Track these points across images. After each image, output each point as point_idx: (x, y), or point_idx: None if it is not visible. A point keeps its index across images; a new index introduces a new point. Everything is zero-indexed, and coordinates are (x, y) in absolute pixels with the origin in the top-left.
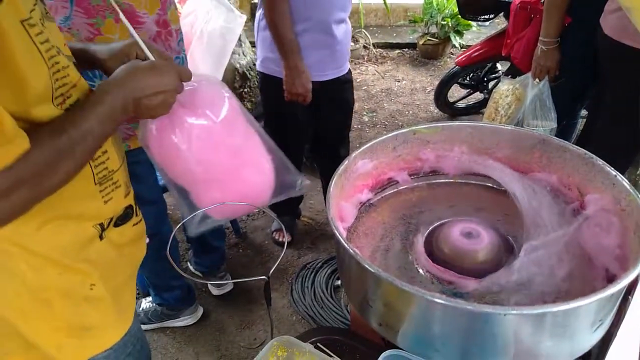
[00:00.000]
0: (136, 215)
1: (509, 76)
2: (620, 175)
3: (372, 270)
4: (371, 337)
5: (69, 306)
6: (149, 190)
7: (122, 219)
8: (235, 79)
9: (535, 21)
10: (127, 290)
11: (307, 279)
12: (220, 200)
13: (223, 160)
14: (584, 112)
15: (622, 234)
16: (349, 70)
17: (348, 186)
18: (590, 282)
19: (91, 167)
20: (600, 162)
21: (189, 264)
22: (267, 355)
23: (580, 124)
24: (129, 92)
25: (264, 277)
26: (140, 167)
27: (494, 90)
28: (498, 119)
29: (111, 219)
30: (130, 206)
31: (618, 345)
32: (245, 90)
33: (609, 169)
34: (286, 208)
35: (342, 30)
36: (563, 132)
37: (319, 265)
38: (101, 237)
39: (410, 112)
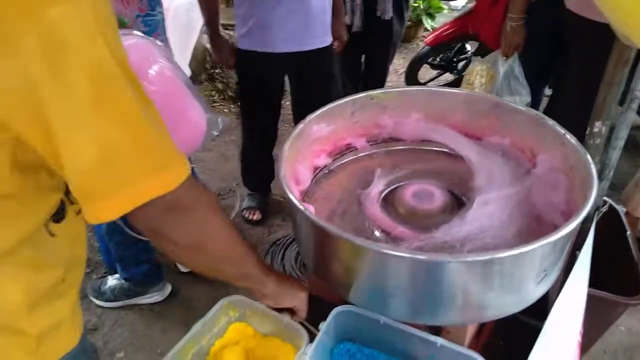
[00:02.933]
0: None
1: (479, 56)
2: (570, 134)
3: (319, 224)
4: (330, 298)
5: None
6: None
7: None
8: (206, 60)
9: (501, 0)
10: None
11: (277, 255)
12: None
13: None
14: (548, 91)
15: (568, 191)
16: (332, 43)
17: (304, 150)
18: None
19: None
20: (551, 122)
21: None
22: (217, 314)
23: (544, 102)
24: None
25: None
26: None
27: (466, 71)
28: None
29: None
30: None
31: (565, 300)
32: (217, 71)
33: (558, 128)
34: (258, 185)
35: (319, 1)
36: None
37: (288, 241)
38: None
39: None
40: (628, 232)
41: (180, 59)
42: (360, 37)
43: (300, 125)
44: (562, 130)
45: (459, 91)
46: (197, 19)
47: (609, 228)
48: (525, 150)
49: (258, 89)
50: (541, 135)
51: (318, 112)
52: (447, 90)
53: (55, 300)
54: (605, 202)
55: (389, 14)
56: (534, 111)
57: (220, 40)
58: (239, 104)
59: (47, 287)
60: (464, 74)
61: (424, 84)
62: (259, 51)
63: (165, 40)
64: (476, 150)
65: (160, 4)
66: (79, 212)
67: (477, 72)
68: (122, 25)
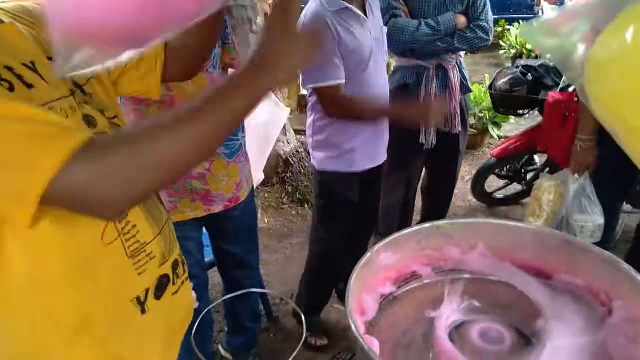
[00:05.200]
0: (173, 284)
1: (548, 169)
2: None
3: None
4: None
5: None
6: (193, 265)
7: (159, 289)
8: (279, 165)
9: (570, 119)
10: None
11: None
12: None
13: None
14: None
15: None
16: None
17: (370, 278)
18: None
19: (122, 241)
20: (626, 266)
21: (220, 345)
22: None
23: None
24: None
25: None
26: (190, 243)
27: (534, 187)
28: (543, 216)
29: (147, 290)
30: (165, 275)
31: None
32: (288, 175)
33: (634, 274)
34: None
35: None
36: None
37: (348, 358)
38: (143, 311)
39: None
40: None
41: (256, 165)
42: (429, 152)
43: (368, 255)
44: (639, 277)
45: (526, 226)
46: (274, 132)
47: None
48: (600, 293)
49: (340, 205)
50: (616, 278)
51: (385, 241)
52: (514, 224)
53: None
54: None
55: (458, 128)
56: (607, 253)
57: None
58: (306, 206)
59: None
60: (533, 189)
61: (491, 193)
62: (342, 172)
63: (242, 162)
64: (545, 293)
65: (243, 130)
66: None
67: (546, 189)
68: None
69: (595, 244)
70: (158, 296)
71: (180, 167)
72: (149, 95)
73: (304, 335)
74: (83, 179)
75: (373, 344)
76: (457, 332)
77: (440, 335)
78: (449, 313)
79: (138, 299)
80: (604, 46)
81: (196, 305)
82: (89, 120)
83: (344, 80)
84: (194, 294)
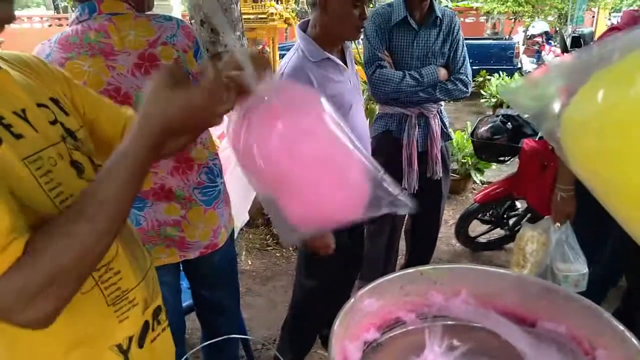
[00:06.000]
0: (153, 330)
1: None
2: (629, 332)
3: None
4: None
5: None
6: (168, 312)
7: (142, 337)
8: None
9: (549, 168)
10: None
11: None
12: (304, 212)
13: (316, 170)
14: None
15: None
16: None
17: (353, 325)
18: None
19: (100, 289)
20: (607, 315)
21: None
22: None
23: None
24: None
25: None
26: (164, 288)
27: (517, 237)
28: (528, 266)
29: (130, 338)
30: (146, 322)
31: None
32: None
33: (616, 323)
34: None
35: None
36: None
37: None
38: None
39: None
40: None
41: (240, 206)
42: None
43: (352, 301)
44: (620, 327)
45: (509, 272)
46: None
47: None
48: (583, 341)
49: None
50: (598, 327)
51: (369, 286)
52: (496, 270)
53: None
54: None
55: (439, 174)
56: (588, 301)
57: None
58: (291, 248)
59: None
60: (516, 238)
61: (475, 238)
62: None
63: (222, 208)
64: (529, 341)
65: (221, 175)
66: None
67: (528, 239)
68: (177, 197)
69: (586, 295)
70: (141, 345)
71: (86, 267)
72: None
73: None
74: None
75: None
76: None
77: None
78: (432, 358)
79: (119, 346)
80: (577, 107)
81: None
82: (77, 167)
83: None
84: None
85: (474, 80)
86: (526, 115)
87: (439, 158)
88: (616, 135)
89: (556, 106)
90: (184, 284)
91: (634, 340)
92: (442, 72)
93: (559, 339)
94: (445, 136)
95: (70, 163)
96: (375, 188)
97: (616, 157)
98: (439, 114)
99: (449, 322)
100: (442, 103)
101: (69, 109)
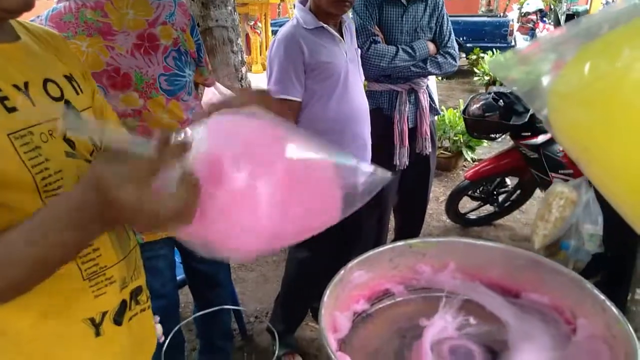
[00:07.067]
0: (130, 309)
1: (518, 193)
2: (610, 302)
3: None
4: None
5: None
6: (163, 285)
7: (119, 314)
8: None
9: None
10: None
11: None
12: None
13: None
14: None
15: None
16: None
17: (343, 296)
18: None
19: (77, 263)
20: (589, 285)
21: None
22: None
23: None
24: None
25: None
26: (161, 262)
27: (547, 192)
28: (552, 220)
29: (104, 313)
30: (123, 300)
31: None
32: None
33: (597, 292)
34: (296, 325)
35: None
36: None
37: None
38: (97, 334)
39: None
40: None
41: None
42: (401, 173)
43: (342, 272)
44: (601, 296)
45: (496, 245)
46: None
47: None
48: (566, 311)
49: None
50: (580, 297)
51: (358, 259)
52: (484, 243)
53: None
54: None
55: (428, 149)
56: (573, 273)
57: None
58: None
59: None
60: (545, 193)
61: (465, 214)
62: None
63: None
64: (513, 312)
65: (192, 68)
66: None
67: (557, 194)
68: (138, 83)
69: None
70: (118, 321)
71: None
72: None
73: (276, 353)
74: None
75: None
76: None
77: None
78: (422, 331)
79: (92, 319)
80: (564, 80)
81: (161, 339)
82: (69, 143)
83: (295, 99)
84: (159, 327)
85: (467, 58)
86: (515, 88)
87: (429, 133)
88: (602, 107)
89: (546, 82)
90: (177, 259)
91: (614, 309)
92: (432, 47)
93: (542, 310)
94: (434, 111)
95: (63, 138)
96: (349, 186)
97: (602, 128)
98: (426, 89)
99: (436, 294)
100: (432, 78)
101: (84, 89)
